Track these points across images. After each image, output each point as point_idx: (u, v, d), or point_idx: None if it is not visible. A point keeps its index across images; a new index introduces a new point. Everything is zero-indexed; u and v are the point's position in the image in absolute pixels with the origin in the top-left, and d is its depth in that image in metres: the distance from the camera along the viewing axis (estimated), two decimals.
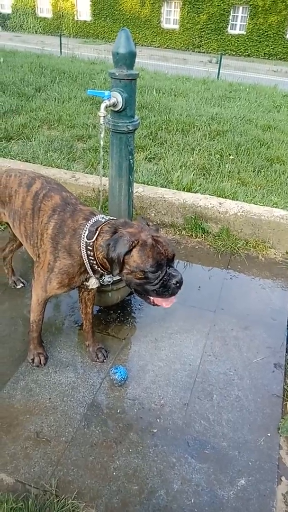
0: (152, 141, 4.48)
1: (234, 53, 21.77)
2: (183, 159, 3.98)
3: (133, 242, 1.52)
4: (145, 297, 1.65)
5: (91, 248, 1.61)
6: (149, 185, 3.40)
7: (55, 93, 5.97)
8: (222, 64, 12.34)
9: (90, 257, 1.63)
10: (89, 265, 1.66)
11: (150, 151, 4.19)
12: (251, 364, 2.10)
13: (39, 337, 1.97)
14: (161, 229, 3.22)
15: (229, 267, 2.84)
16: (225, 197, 3.23)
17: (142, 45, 22.98)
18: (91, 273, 1.70)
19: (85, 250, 1.62)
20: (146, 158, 4.08)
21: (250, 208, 3.05)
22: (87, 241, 1.61)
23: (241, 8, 21.27)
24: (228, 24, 21.81)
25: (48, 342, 2.11)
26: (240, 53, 21.80)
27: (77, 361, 2.02)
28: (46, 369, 1.96)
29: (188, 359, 2.09)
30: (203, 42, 22.72)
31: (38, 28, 26.84)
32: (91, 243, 1.60)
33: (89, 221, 1.64)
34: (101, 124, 1.98)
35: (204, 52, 22.21)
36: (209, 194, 3.25)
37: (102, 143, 2.10)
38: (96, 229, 1.60)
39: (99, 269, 1.66)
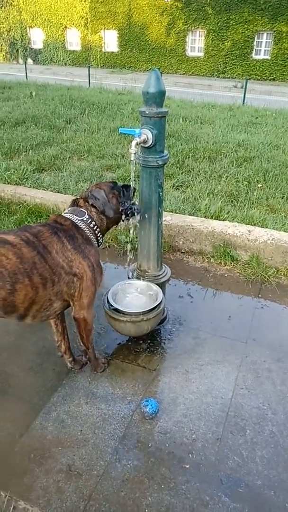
0: (179, 169, 4.57)
1: (259, 77, 22.03)
2: (211, 186, 4.03)
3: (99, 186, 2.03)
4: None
5: (90, 220, 1.96)
6: (177, 213, 3.45)
7: (85, 125, 6.22)
8: (247, 89, 12.50)
9: (96, 229, 1.97)
10: (96, 238, 2.00)
11: (178, 179, 4.26)
12: (285, 398, 2.05)
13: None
14: (189, 256, 3.24)
15: (259, 295, 2.82)
16: (254, 225, 3.23)
17: (167, 73, 23.63)
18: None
19: (90, 228, 1.95)
20: (173, 186, 4.15)
21: (280, 236, 3.04)
22: (82, 218, 1.94)
23: (265, 34, 21.64)
24: (252, 50, 22.17)
25: (78, 372, 2.15)
26: (265, 78, 22.03)
27: (108, 392, 2.03)
28: (77, 400, 1.99)
29: (220, 392, 2.07)
30: (227, 68, 23.14)
31: (67, 60, 28.13)
32: (86, 218, 1.95)
33: (70, 215, 1.95)
34: (132, 160, 2.05)
35: (228, 78, 22.59)
36: (237, 222, 3.26)
37: (133, 176, 2.17)
38: (81, 212, 1.96)
39: (100, 235, 2.02)
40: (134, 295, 2.36)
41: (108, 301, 2.22)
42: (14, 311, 1.74)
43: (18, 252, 1.69)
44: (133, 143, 1.99)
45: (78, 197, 2.05)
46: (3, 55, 30.47)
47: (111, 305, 2.19)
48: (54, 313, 1.90)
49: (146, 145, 2.09)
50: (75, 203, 2.02)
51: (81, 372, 2.15)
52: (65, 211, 2.00)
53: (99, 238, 2.00)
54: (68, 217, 1.93)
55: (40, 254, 1.74)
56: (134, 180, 2.12)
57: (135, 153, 2.02)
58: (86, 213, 1.96)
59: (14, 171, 4.17)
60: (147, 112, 2.04)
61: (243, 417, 1.94)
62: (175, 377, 2.14)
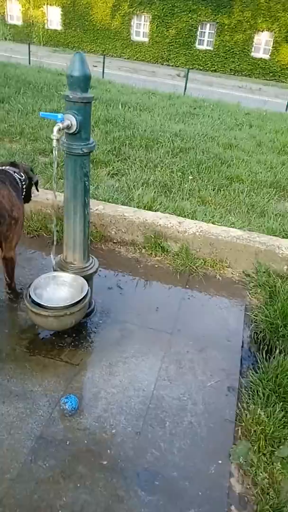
0: (116, 156, 4.47)
1: (201, 67, 22.25)
2: (146, 176, 3.99)
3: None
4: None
5: (23, 182, 2.37)
6: (110, 202, 3.37)
7: (19, 105, 5.86)
8: (190, 78, 12.56)
9: (23, 189, 2.37)
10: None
11: (113, 167, 4.17)
12: (205, 388, 2.09)
13: None
14: (121, 247, 3.19)
15: (187, 286, 2.84)
16: (185, 216, 3.24)
17: (112, 56, 23.09)
18: None
19: (21, 186, 2.35)
20: (108, 174, 4.05)
21: (208, 228, 3.08)
22: (21, 178, 2.36)
23: (208, 25, 21.82)
24: (196, 40, 22.31)
25: None
26: (207, 68, 22.31)
27: (27, 390, 1.94)
28: None
29: (142, 384, 2.06)
30: (171, 55, 23.10)
31: (7, 35, 26.43)
32: (23, 179, 2.37)
33: (13, 172, 2.33)
34: (54, 146, 1.94)
35: (172, 65, 22.58)
36: (169, 213, 3.25)
37: (55, 166, 2.05)
38: (20, 174, 2.36)
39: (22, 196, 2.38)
40: (59, 288, 2.26)
41: (29, 295, 2.10)
42: None
43: None
44: (55, 128, 1.88)
45: (16, 162, 2.43)
46: None
47: (33, 299, 2.08)
48: None
49: (70, 132, 1.98)
50: (14, 165, 2.39)
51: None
52: (4, 167, 2.34)
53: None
54: (9, 170, 2.31)
55: None
56: (57, 167, 2.01)
57: (57, 140, 1.90)
58: (24, 177, 2.38)
59: None
60: (71, 96, 1.93)
61: (163, 409, 1.95)
62: (99, 371, 2.10)
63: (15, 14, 26.12)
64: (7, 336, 2.24)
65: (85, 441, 1.75)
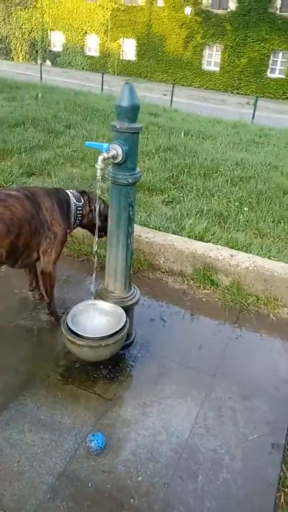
0: (173, 184, 4.44)
1: (272, 96, 22.00)
2: (201, 204, 3.89)
3: None
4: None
5: (80, 208, 2.39)
6: (161, 230, 3.31)
7: (84, 131, 6.11)
8: (260, 106, 12.42)
9: (77, 218, 2.39)
10: (73, 220, 2.39)
11: (169, 195, 4.13)
12: (246, 442, 1.89)
13: None
14: (169, 277, 3.10)
15: (236, 324, 2.67)
16: (238, 249, 3.09)
17: (182, 85, 23.66)
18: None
19: (75, 212, 2.37)
20: (163, 202, 4.02)
21: (263, 263, 2.89)
22: (77, 203, 2.38)
23: (281, 53, 21.65)
24: (267, 68, 22.19)
25: (30, 394, 2.00)
26: (278, 96, 22.00)
27: (55, 421, 1.88)
28: (22, 426, 1.84)
29: (176, 430, 1.91)
30: (242, 84, 23.17)
31: (85, 65, 28.29)
32: (79, 205, 2.39)
33: (71, 194, 2.39)
34: (98, 176, 1.93)
35: (242, 94, 22.58)
36: (221, 245, 3.12)
37: (98, 194, 2.05)
38: (79, 199, 2.40)
39: (77, 222, 2.41)
40: (97, 317, 2.22)
41: (66, 322, 2.07)
42: (15, 252, 2.13)
43: (22, 204, 2.11)
44: (100, 158, 1.87)
45: (86, 191, 2.50)
46: (23, 55, 30.77)
47: (70, 327, 2.04)
48: (30, 262, 2.31)
49: (116, 161, 1.97)
50: (82, 193, 2.46)
51: (32, 394, 2.00)
52: (69, 189, 2.43)
53: (74, 225, 2.42)
54: (68, 193, 2.39)
55: (35, 208, 2.16)
56: (100, 197, 2.01)
57: (101, 169, 1.89)
58: (82, 203, 2.40)
59: (0, 173, 4.05)
60: (118, 126, 1.93)
61: (197, 461, 1.78)
62: (131, 410, 1.99)
63: (93, 47, 27.98)
64: (44, 360, 2.23)
65: (108, 486, 1.64)
